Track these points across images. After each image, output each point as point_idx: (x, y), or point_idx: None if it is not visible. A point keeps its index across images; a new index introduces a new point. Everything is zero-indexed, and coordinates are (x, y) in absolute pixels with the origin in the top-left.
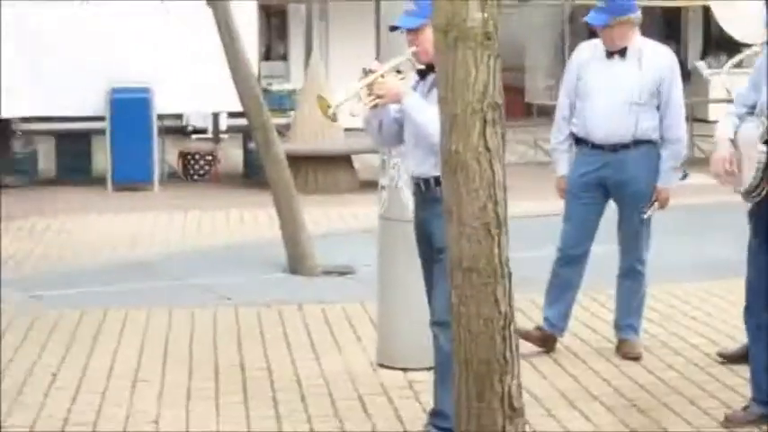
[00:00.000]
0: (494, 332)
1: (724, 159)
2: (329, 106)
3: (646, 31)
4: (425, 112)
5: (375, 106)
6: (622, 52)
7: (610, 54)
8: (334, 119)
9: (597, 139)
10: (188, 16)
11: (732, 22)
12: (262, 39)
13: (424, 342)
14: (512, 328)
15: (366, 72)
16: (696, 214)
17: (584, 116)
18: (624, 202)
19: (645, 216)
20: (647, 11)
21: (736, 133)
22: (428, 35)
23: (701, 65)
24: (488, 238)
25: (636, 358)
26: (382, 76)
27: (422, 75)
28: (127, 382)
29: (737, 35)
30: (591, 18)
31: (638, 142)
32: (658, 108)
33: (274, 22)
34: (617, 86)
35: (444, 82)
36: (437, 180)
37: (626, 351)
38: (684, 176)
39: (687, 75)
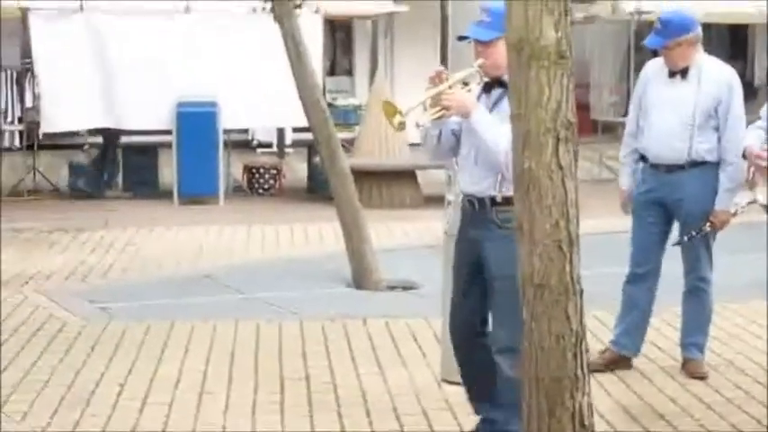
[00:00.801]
0: (565, 349)
1: (755, 153)
2: (398, 112)
3: (711, 50)
4: (494, 129)
5: (440, 117)
6: (684, 72)
7: (672, 74)
8: (401, 128)
9: (653, 157)
10: (254, 31)
11: None
12: (327, 53)
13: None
14: (583, 345)
15: (433, 80)
16: (762, 232)
17: (644, 135)
18: (682, 221)
19: (686, 238)
20: (713, 28)
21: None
22: (499, 48)
23: None
24: (560, 256)
25: (701, 377)
26: (450, 87)
27: (487, 88)
28: (193, 394)
29: None
30: (649, 41)
31: (693, 163)
32: (717, 129)
33: (339, 37)
34: (674, 106)
35: (517, 99)
36: (493, 200)
37: (691, 370)
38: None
39: (753, 93)
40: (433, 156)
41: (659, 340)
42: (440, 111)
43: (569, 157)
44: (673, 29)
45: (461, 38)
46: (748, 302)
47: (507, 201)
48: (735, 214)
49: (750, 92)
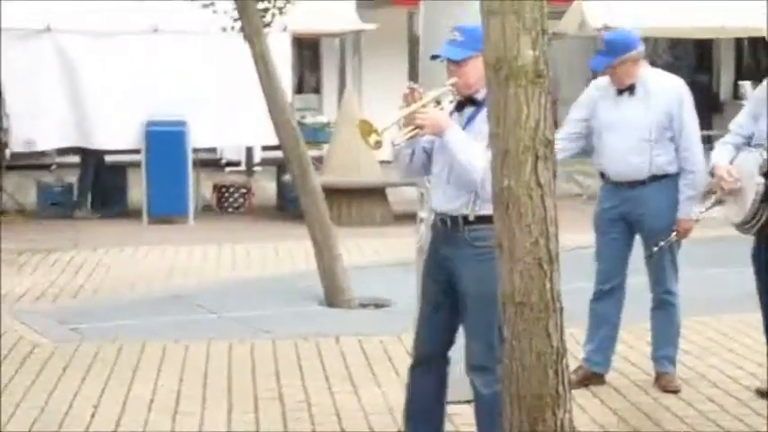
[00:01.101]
0: (546, 366)
1: (722, 177)
2: (374, 131)
3: (677, 64)
4: (468, 148)
5: (414, 136)
6: (631, 88)
7: (620, 92)
8: (377, 146)
9: (613, 176)
10: (223, 50)
11: None
12: (294, 71)
13: (461, 374)
14: (564, 361)
15: (407, 99)
16: (734, 246)
17: (601, 155)
18: (646, 236)
19: (656, 249)
20: (679, 42)
21: (731, 162)
22: (471, 67)
23: (746, 85)
24: (540, 273)
25: (675, 391)
26: (423, 106)
27: (459, 107)
28: (167, 415)
29: None
30: (595, 63)
31: (654, 177)
32: (673, 139)
33: (306, 55)
34: (628, 125)
35: (496, 118)
36: (465, 219)
37: (664, 384)
38: (719, 202)
39: (720, 106)
40: (405, 174)
41: (630, 354)
42: (414, 129)
43: (548, 175)
44: (617, 48)
45: (434, 57)
46: (719, 316)
47: (480, 220)
48: (697, 221)
49: (716, 105)
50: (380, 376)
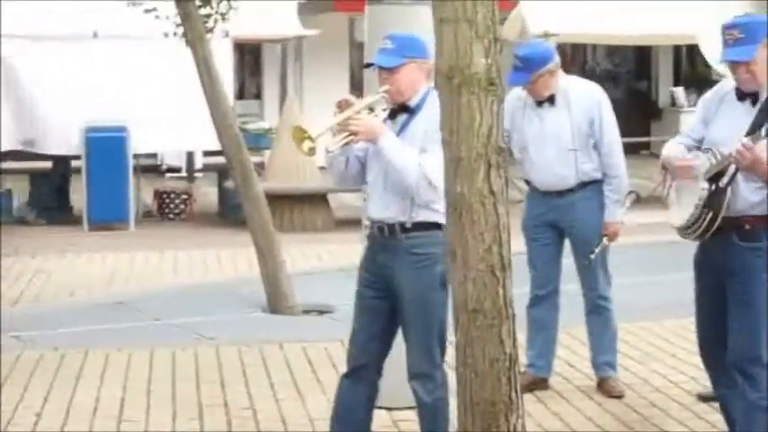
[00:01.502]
0: (499, 373)
1: (672, 161)
2: (308, 138)
3: (617, 70)
4: (402, 154)
5: (348, 143)
6: (551, 99)
7: (539, 103)
8: (311, 153)
9: (540, 186)
10: (164, 55)
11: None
12: (235, 77)
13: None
14: (516, 368)
15: (341, 106)
16: (675, 251)
17: (526, 167)
18: (576, 242)
19: (592, 255)
20: (619, 49)
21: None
22: (404, 74)
23: (678, 91)
24: (493, 280)
25: (618, 396)
26: (357, 112)
27: (392, 115)
28: (111, 423)
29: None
30: (513, 79)
31: (582, 185)
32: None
33: (248, 60)
34: (551, 136)
35: (448, 126)
36: (403, 226)
37: (607, 389)
38: (637, 199)
39: (658, 113)
40: (340, 182)
41: (573, 359)
42: (348, 136)
43: (501, 183)
44: (534, 63)
45: (367, 65)
46: (661, 322)
47: (417, 227)
48: (622, 223)
49: (654, 112)
50: (325, 383)
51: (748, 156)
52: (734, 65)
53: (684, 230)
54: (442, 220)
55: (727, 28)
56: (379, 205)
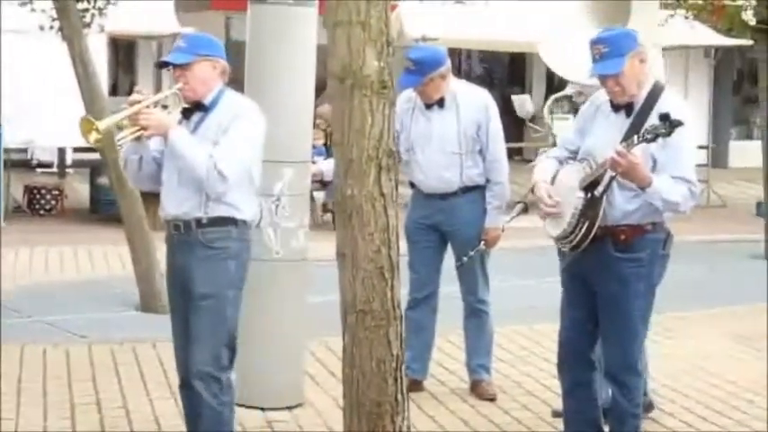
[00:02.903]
0: (386, 374)
1: (542, 198)
2: (94, 129)
3: (491, 78)
4: (194, 147)
5: (138, 139)
6: (440, 102)
7: (428, 106)
8: (98, 144)
9: (426, 190)
10: (39, 48)
11: (562, 64)
12: (109, 73)
13: (283, 381)
14: (402, 369)
15: (131, 102)
16: (550, 256)
17: (412, 169)
18: (457, 245)
19: (465, 258)
20: (493, 56)
21: (555, 176)
22: (196, 72)
23: (521, 99)
24: (382, 282)
25: (491, 399)
26: (147, 107)
27: (186, 114)
28: None
29: (570, 77)
30: (405, 81)
31: (465, 189)
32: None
33: (121, 57)
34: (437, 138)
35: (340, 128)
36: (198, 222)
37: (480, 392)
38: (525, 209)
39: (532, 119)
40: (135, 182)
41: (447, 362)
42: (138, 130)
43: (391, 185)
44: (426, 66)
45: (161, 64)
46: (533, 325)
47: (212, 222)
48: (503, 230)
49: (529, 120)
50: None
51: (623, 162)
52: (603, 78)
53: (561, 240)
54: (237, 215)
55: (593, 43)
56: (174, 202)
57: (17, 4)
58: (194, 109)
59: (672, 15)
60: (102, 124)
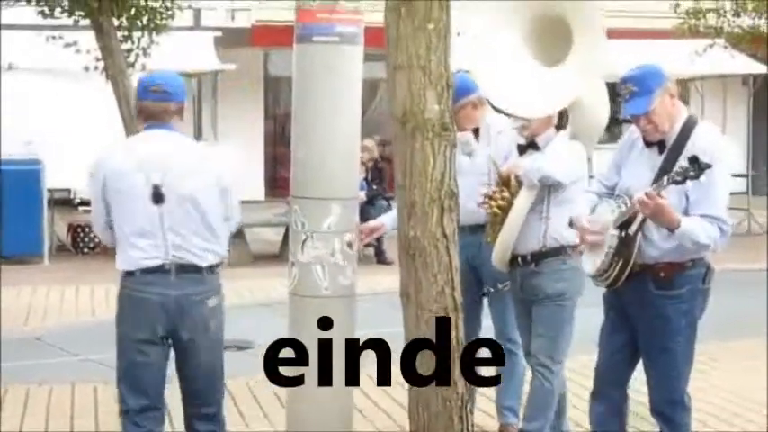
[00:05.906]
0: (452, 412)
1: (583, 228)
2: None
3: None
4: None
5: None
6: (475, 132)
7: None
8: None
9: (462, 221)
10: (83, 89)
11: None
12: None
13: (334, 415)
14: (468, 407)
15: None
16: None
17: None
18: (486, 280)
19: (493, 290)
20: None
21: (593, 210)
22: None
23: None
24: (447, 322)
25: None
26: None
27: None
28: None
29: (503, 106)
30: None
31: None
32: None
33: None
34: (469, 170)
35: (402, 170)
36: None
37: None
38: None
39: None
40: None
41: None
42: None
43: (453, 226)
44: (456, 92)
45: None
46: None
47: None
48: None
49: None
50: (249, 418)
51: (650, 204)
52: (635, 118)
53: (597, 278)
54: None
55: (622, 82)
56: None
57: (61, 45)
58: None
59: (711, 45)
60: None
